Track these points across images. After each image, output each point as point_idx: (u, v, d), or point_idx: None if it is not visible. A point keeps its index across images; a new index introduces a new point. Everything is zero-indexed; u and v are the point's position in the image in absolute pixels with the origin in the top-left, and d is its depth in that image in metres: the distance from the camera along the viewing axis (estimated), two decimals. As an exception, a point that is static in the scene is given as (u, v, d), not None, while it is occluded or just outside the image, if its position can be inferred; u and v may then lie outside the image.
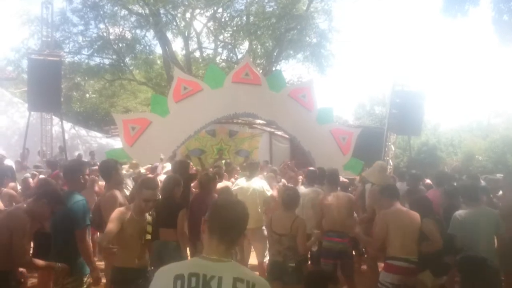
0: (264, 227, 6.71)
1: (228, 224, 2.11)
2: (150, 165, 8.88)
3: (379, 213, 5.07)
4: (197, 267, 2.03)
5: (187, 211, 5.23)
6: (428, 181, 9.40)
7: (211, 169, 8.24)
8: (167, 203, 4.85)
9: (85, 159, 13.68)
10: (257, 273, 6.93)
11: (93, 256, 4.32)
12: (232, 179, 7.89)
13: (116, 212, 4.14)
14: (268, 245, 6.74)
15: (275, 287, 4.77)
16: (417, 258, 4.56)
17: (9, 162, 9.75)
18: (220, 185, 7.19)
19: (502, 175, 9.16)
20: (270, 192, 6.79)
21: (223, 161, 11.02)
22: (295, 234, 4.70)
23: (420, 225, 4.63)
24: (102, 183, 7.54)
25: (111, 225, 4.00)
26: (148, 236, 4.17)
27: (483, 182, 8.51)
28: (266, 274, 4.98)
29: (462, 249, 4.93)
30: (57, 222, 4.08)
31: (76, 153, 14.88)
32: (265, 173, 7.94)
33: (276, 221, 4.85)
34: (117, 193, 4.91)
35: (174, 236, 4.72)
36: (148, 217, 4.22)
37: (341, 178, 8.06)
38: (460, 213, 5.05)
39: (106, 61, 18.94)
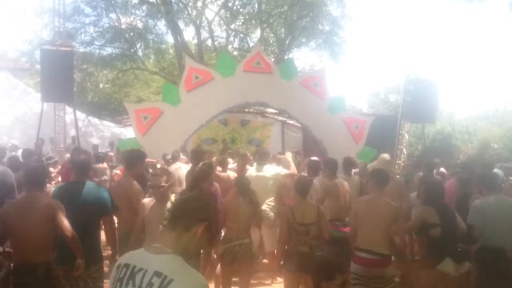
0: (271, 214, 6.73)
1: (177, 214, 2.14)
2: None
3: None
4: (135, 257, 2.06)
5: None
6: (442, 169, 9.33)
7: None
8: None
9: (101, 149, 13.84)
10: (266, 261, 7.01)
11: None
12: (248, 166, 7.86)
13: (142, 203, 4.56)
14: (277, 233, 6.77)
15: (295, 277, 4.78)
16: (386, 249, 4.45)
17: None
18: (224, 174, 7.17)
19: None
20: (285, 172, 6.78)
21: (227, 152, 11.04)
22: (320, 222, 4.77)
23: (395, 215, 4.54)
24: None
25: (138, 219, 4.48)
26: (165, 223, 4.18)
27: (498, 171, 8.42)
28: (285, 264, 4.89)
29: (479, 238, 4.84)
30: (79, 210, 4.12)
31: (91, 143, 15.09)
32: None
33: (299, 213, 4.78)
34: (133, 181, 4.98)
35: None
36: (169, 205, 4.34)
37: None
38: (479, 202, 4.95)
39: (118, 51, 18.97)
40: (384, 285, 4.47)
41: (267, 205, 6.79)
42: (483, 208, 4.83)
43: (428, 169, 7.74)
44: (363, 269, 4.45)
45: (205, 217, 2.15)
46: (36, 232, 3.78)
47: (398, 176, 7.74)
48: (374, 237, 4.46)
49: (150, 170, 6.33)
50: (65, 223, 3.83)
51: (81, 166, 4.42)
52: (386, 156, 7.09)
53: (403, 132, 14.38)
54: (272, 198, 6.86)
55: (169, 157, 8.79)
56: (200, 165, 6.09)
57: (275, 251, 6.77)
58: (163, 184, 4.46)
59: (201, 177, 5.09)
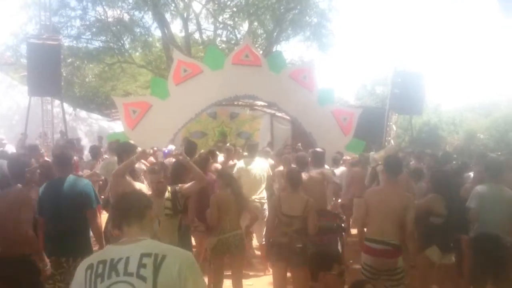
0: (264, 207, 6.78)
1: (124, 208, 2.24)
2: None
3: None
4: (107, 253, 2.11)
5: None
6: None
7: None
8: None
9: (89, 142, 13.75)
10: (259, 253, 7.07)
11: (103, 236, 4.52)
12: (233, 161, 7.91)
13: None
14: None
15: (279, 268, 4.83)
16: (397, 240, 4.44)
17: (10, 148, 9.72)
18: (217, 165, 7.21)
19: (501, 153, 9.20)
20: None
21: (228, 144, 11.05)
22: (306, 216, 4.73)
23: (408, 205, 4.59)
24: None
25: None
26: (167, 211, 4.39)
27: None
28: (269, 255, 5.00)
29: (472, 224, 4.92)
30: (63, 204, 4.18)
31: (80, 137, 14.96)
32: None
33: (286, 204, 4.80)
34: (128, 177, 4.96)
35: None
36: (168, 195, 4.46)
37: (346, 157, 8.11)
38: (481, 187, 5.03)
39: (105, 45, 18.82)
40: (393, 275, 4.46)
41: (258, 200, 6.84)
42: (483, 193, 4.92)
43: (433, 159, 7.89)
44: (375, 260, 4.45)
45: (149, 202, 2.35)
46: (3, 225, 3.82)
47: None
48: (386, 227, 4.46)
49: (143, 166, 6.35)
50: (24, 220, 3.86)
51: (61, 161, 4.48)
52: (392, 145, 7.12)
53: (391, 123, 14.51)
54: (261, 190, 6.92)
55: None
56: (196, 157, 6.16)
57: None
58: (161, 180, 4.51)
59: (182, 170, 5.12)
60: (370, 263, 4.47)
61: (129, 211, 2.22)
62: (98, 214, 4.40)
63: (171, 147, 9.23)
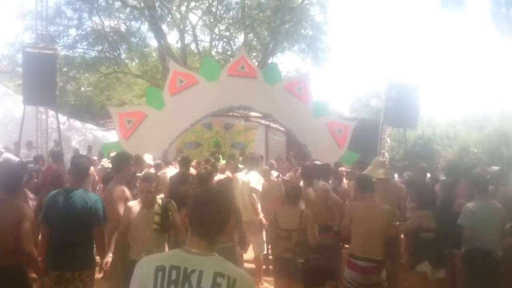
0: (259, 220, 6.76)
1: (208, 220, 2.08)
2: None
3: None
4: (179, 259, 2.02)
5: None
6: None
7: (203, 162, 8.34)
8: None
9: (83, 152, 13.71)
10: (254, 266, 7.03)
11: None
12: (227, 172, 7.94)
13: (125, 208, 4.47)
14: (264, 238, 6.81)
15: (283, 284, 4.81)
16: (381, 255, 4.50)
17: (8, 157, 9.68)
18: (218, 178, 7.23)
19: (497, 167, 9.24)
20: (256, 184, 6.79)
21: (219, 155, 11.07)
22: (304, 228, 4.70)
23: (390, 219, 4.60)
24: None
25: (122, 222, 4.39)
26: (156, 226, 4.26)
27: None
28: (273, 270, 4.96)
29: (466, 240, 4.95)
30: (71, 217, 4.09)
31: (73, 147, 14.91)
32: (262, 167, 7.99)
33: (282, 218, 4.81)
34: (121, 186, 4.95)
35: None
36: (157, 208, 4.34)
37: (341, 169, 8.11)
38: (471, 204, 5.07)
39: (101, 54, 18.84)
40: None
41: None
42: (474, 210, 4.97)
43: (420, 173, 7.88)
44: (360, 277, 4.49)
45: (229, 215, 2.19)
46: (3, 235, 3.77)
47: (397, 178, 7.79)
48: (370, 245, 4.49)
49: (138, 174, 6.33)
50: (27, 234, 3.82)
51: (78, 173, 4.35)
52: (378, 158, 7.15)
53: (385, 136, 14.55)
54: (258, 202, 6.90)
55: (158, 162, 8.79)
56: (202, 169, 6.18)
57: (261, 255, 6.84)
58: (152, 189, 4.43)
59: (179, 181, 5.11)
60: (355, 278, 4.52)
61: (209, 226, 2.08)
62: (105, 232, 4.29)
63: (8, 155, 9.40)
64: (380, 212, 4.62)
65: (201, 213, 2.11)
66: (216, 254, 2.08)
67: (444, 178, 8.76)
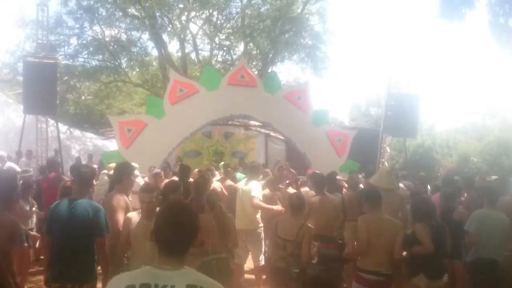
0: (259, 229, 6.72)
1: (172, 239, 2.04)
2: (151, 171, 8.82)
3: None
4: (149, 277, 1.99)
5: None
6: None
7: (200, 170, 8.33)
8: None
9: (83, 161, 13.70)
10: (253, 276, 6.99)
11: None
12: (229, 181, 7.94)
13: (125, 219, 4.39)
14: (263, 248, 6.77)
15: None
16: (390, 269, 4.46)
17: (11, 165, 9.68)
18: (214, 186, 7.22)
19: (496, 177, 9.23)
20: (256, 193, 6.73)
21: (222, 163, 11.04)
22: (301, 241, 4.66)
23: (399, 233, 4.54)
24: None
25: (121, 234, 4.31)
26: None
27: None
28: (269, 279, 4.92)
29: (470, 248, 4.93)
30: (73, 227, 4.04)
31: (73, 156, 14.90)
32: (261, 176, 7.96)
33: (282, 226, 4.78)
34: (122, 196, 4.94)
35: None
36: None
37: (339, 177, 8.05)
38: (480, 212, 5.08)
39: (102, 63, 18.90)
40: None
41: (255, 224, 6.78)
42: (482, 218, 4.97)
43: (422, 183, 7.87)
44: None
45: (195, 228, 2.13)
46: None
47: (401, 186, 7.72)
48: (380, 258, 4.45)
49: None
50: (17, 250, 3.82)
51: (82, 182, 4.32)
52: (386, 167, 7.10)
53: (385, 145, 14.56)
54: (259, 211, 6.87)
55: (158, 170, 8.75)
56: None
57: (260, 265, 6.79)
58: (153, 199, 4.39)
59: (170, 189, 5.05)
60: None
61: (174, 244, 2.04)
62: (107, 243, 4.23)
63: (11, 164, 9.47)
64: (391, 226, 4.57)
65: (163, 231, 2.05)
66: (186, 267, 2.04)
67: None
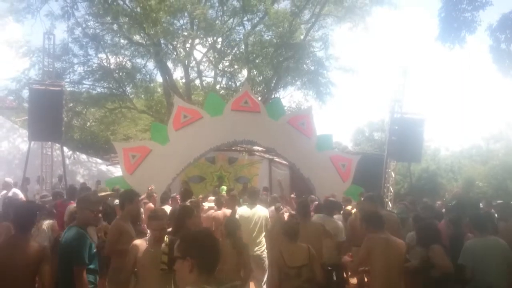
0: (264, 254, 6.68)
1: (217, 261, 2.35)
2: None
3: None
4: None
5: None
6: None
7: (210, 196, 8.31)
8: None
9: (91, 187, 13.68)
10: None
11: None
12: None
13: (131, 247, 4.31)
14: (266, 273, 6.69)
15: None
16: None
17: (16, 192, 9.67)
18: (219, 213, 7.23)
19: (501, 201, 9.15)
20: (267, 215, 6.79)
21: (224, 188, 11.01)
22: (313, 263, 4.67)
23: (404, 255, 4.49)
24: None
25: (127, 261, 4.24)
26: (163, 266, 4.10)
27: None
28: None
29: (471, 279, 4.84)
30: (59, 255, 4.11)
31: (78, 181, 14.88)
32: (268, 199, 7.97)
33: (289, 256, 4.72)
34: (125, 224, 4.93)
35: None
36: (164, 247, 4.18)
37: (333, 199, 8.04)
38: (470, 243, 4.98)
39: (107, 90, 19.08)
40: None
41: (259, 251, 6.75)
42: (473, 249, 4.85)
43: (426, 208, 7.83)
44: None
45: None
46: (16, 276, 3.71)
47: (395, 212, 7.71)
48: (391, 281, 4.38)
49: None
50: (46, 275, 3.82)
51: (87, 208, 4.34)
52: (369, 194, 7.06)
53: (390, 170, 14.50)
54: (261, 239, 6.83)
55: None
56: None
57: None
58: (165, 226, 4.35)
59: (186, 214, 4.99)
60: None
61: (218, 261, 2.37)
62: (84, 275, 4.04)
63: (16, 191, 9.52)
64: (398, 246, 4.54)
65: (216, 259, 2.39)
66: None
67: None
